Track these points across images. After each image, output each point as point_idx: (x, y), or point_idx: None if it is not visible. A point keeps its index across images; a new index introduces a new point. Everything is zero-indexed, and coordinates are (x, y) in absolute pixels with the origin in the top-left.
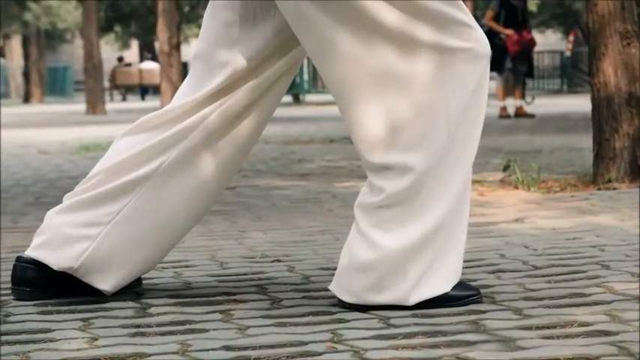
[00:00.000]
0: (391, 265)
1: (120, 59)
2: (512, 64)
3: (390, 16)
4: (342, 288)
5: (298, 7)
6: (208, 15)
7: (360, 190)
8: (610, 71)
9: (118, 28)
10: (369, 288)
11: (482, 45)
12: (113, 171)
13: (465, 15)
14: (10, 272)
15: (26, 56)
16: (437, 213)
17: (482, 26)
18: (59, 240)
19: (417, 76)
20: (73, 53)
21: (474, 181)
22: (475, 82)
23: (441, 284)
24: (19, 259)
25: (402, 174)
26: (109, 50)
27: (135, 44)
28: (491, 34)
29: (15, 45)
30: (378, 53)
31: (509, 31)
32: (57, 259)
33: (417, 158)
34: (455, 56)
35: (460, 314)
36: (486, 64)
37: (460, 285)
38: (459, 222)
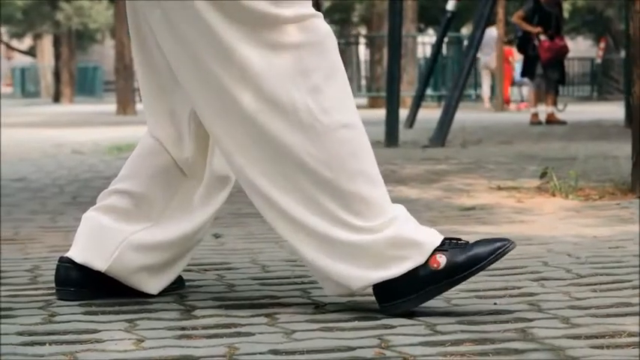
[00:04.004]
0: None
1: None
2: (544, 71)
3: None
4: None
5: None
6: None
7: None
8: None
9: None
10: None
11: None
12: (144, 190)
13: None
14: (53, 271)
15: (57, 56)
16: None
17: (516, 31)
18: (91, 241)
19: (265, 70)
20: (103, 53)
21: (511, 188)
22: (333, 60)
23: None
24: (61, 259)
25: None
26: None
27: None
28: (524, 41)
29: (46, 45)
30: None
31: (538, 29)
32: (89, 259)
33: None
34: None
35: (507, 322)
36: (331, 38)
37: (483, 242)
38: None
